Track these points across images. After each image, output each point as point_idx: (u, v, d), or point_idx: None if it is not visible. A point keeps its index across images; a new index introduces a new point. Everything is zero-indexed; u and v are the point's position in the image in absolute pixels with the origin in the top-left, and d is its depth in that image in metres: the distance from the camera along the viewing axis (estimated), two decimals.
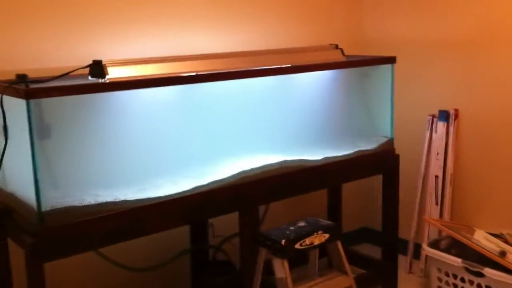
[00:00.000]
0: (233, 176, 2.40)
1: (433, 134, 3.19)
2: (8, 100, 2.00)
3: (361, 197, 3.62)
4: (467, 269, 2.70)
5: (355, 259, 3.06)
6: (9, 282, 2.25)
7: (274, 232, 2.34)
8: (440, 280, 2.86)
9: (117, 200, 2.09)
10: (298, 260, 2.71)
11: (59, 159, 2.09)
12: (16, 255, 2.20)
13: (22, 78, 2.06)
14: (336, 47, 2.92)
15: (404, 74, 3.24)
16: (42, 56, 2.38)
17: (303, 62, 2.67)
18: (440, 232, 3.08)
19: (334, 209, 3.24)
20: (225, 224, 2.76)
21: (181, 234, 2.76)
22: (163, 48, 2.70)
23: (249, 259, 2.40)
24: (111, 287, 2.68)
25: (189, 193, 2.26)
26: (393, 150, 2.96)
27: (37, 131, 1.94)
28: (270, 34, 3.11)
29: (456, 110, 3.11)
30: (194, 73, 2.29)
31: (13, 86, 1.96)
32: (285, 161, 2.57)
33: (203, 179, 2.33)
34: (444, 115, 3.15)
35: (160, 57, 2.43)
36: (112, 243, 2.09)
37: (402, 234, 3.13)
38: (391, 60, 2.92)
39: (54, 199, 1.98)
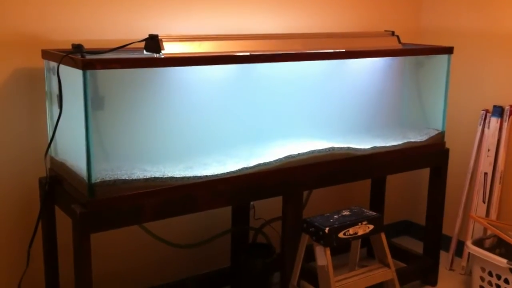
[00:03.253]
0: (280, 160, 2.38)
1: (485, 129, 3.09)
2: (64, 70, 2.01)
3: (405, 189, 3.55)
4: None
5: (395, 252, 3.01)
6: (55, 250, 2.29)
7: (318, 219, 2.31)
8: (482, 279, 2.79)
9: (164, 176, 2.10)
10: (339, 248, 2.68)
11: (110, 132, 2.10)
12: (62, 223, 2.24)
13: (78, 48, 2.07)
14: (393, 34, 2.84)
15: (459, 66, 3.14)
16: (97, 28, 2.38)
17: (358, 48, 2.61)
18: (485, 230, 3.00)
19: (377, 199, 3.19)
20: (266, 207, 2.75)
21: (223, 214, 2.76)
22: (218, 26, 2.67)
23: (291, 244, 2.39)
24: (152, 261, 2.71)
25: (235, 174, 2.25)
26: (444, 143, 2.89)
27: (91, 102, 1.94)
28: (325, 18, 3.04)
29: None
30: (249, 53, 2.26)
31: (70, 55, 1.96)
32: (333, 148, 2.52)
33: (250, 161, 2.32)
34: (498, 111, 3.05)
35: (215, 35, 2.41)
36: (158, 218, 2.10)
37: (445, 229, 3.06)
38: (449, 50, 2.84)
39: (103, 171, 2.00)
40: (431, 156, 2.85)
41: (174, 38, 2.17)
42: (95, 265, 2.06)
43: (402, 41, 2.85)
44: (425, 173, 3.00)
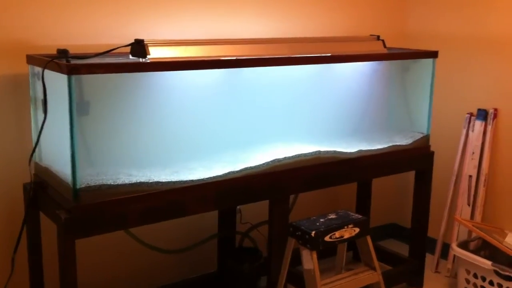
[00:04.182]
0: (266, 164, 2.38)
1: (470, 132, 3.12)
2: (49, 75, 2.00)
3: (391, 192, 3.57)
4: (496, 272, 2.65)
5: (381, 254, 3.02)
6: (40, 257, 2.27)
7: (305, 223, 2.32)
8: (468, 281, 2.81)
9: (150, 181, 2.09)
10: (326, 252, 2.69)
11: (95, 137, 2.09)
12: (48, 230, 2.22)
13: (63, 53, 2.05)
14: (378, 38, 2.86)
15: (444, 70, 3.16)
16: (82, 33, 2.37)
17: (343, 52, 2.63)
18: (470, 233, 3.03)
19: (363, 203, 3.20)
20: (253, 211, 2.75)
21: (209, 219, 2.76)
22: (204, 31, 2.67)
23: (278, 247, 2.39)
24: (138, 267, 2.70)
25: (222, 178, 2.25)
26: (428, 147, 2.91)
27: (76, 107, 1.93)
28: (310, 23, 3.06)
29: (496, 110, 3.03)
30: (235, 58, 2.26)
31: (55, 60, 1.95)
32: (319, 152, 2.53)
33: (236, 165, 2.32)
34: (482, 114, 3.08)
35: (201, 40, 2.41)
36: (143, 223, 2.09)
37: (431, 232, 3.08)
38: (433, 54, 2.86)
39: (89, 176, 1.99)
40: (416, 159, 2.87)
41: (160, 42, 2.17)
42: (81, 272, 2.05)
43: (387, 45, 2.87)
44: (411, 176, 3.02)
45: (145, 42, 2.11)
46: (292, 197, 2.82)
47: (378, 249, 2.95)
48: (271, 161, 2.39)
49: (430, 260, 3.16)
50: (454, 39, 3.20)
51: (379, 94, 2.95)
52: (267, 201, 2.41)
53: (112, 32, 2.43)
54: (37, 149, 2.16)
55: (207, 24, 2.69)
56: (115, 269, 2.63)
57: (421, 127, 2.92)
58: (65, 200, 1.96)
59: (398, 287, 2.95)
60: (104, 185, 1.99)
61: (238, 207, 2.76)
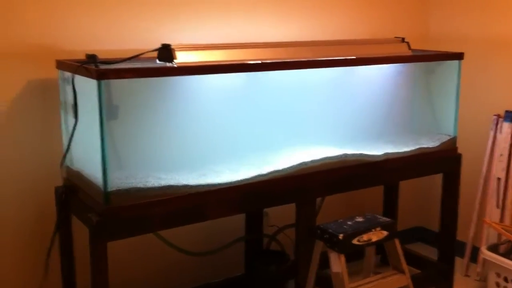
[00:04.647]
0: (293, 167, 2.38)
1: (498, 134, 3.08)
2: (78, 80, 2.03)
3: (418, 195, 3.54)
4: None
5: (409, 258, 2.98)
6: (72, 259, 2.30)
7: (332, 225, 2.31)
8: (498, 285, 2.77)
9: (178, 184, 2.11)
10: (354, 255, 2.67)
11: (124, 141, 2.12)
12: (79, 233, 2.25)
13: (92, 58, 2.08)
14: (403, 40, 2.85)
15: (470, 72, 3.13)
16: (110, 38, 2.41)
17: (368, 55, 2.62)
18: (499, 236, 2.98)
19: (390, 206, 3.18)
20: (280, 214, 2.75)
21: (236, 222, 2.76)
22: (229, 35, 2.69)
23: (305, 250, 2.39)
24: (166, 268, 2.72)
25: (249, 182, 2.25)
26: (456, 149, 2.88)
27: (106, 112, 1.96)
28: (334, 25, 3.06)
29: None
30: (260, 61, 2.27)
31: (84, 65, 1.98)
32: (345, 155, 2.53)
33: (263, 169, 2.32)
34: (510, 116, 3.04)
35: (226, 44, 2.43)
36: (173, 226, 2.11)
37: (460, 235, 3.04)
38: (459, 56, 2.84)
39: (119, 180, 2.01)
40: (443, 161, 2.84)
41: (186, 47, 2.19)
42: (110, 272, 2.06)
43: (412, 47, 2.86)
44: (438, 178, 2.99)
45: (171, 46, 2.13)
46: (318, 200, 2.82)
47: (406, 253, 2.90)
48: (298, 164, 2.39)
49: (459, 263, 3.12)
50: (479, 40, 3.17)
51: (404, 97, 2.93)
52: (293, 204, 2.41)
53: (139, 37, 2.46)
54: (68, 153, 2.19)
55: (232, 28, 2.71)
56: (143, 270, 2.65)
57: (448, 129, 2.90)
58: (96, 203, 1.99)
59: None
60: (133, 188, 2.01)
61: (265, 210, 2.76)
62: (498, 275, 2.76)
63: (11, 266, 2.31)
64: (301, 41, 2.80)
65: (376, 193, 3.22)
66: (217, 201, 2.17)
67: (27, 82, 2.26)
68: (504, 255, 2.82)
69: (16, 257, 2.32)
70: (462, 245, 3.18)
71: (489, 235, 3.06)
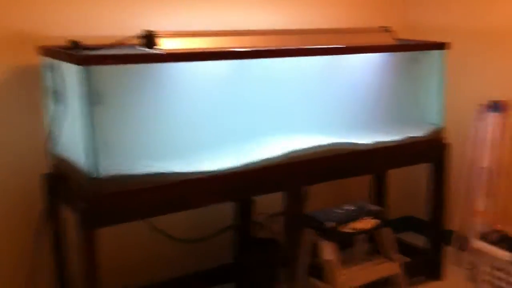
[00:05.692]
0: (281, 155, 2.36)
1: (484, 124, 3.09)
2: (62, 66, 1.99)
3: (406, 184, 3.54)
4: None
5: (398, 246, 2.98)
6: (61, 245, 2.27)
7: (321, 213, 2.30)
8: (487, 273, 2.77)
9: (167, 171, 2.08)
10: (343, 243, 2.66)
11: (111, 128, 2.07)
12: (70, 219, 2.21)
13: (75, 44, 2.05)
14: (387, 29, 2.85)
15: (456, 62, 3.13)
16: (93, 24, 2.37)
17: (353, 44, 2.61)
18: (489, 225, 2.98)
19: (379, 195, 3.17)
20: (269, 201, 2.72)
21: (225, 209, 2.73)
22: (214, 22, 2.66)
23: (294, 238, 2.37)
24: (157, 256, 2.69)
25: (237, 170, 2.23)
26: (443, 138, 2.88)
27: (90, 98, 1.92)
28: (319, 14, 3.05)
29: (508, 101, 3.01)
30: (247, 49, 2.25)
31: (67, 52, 1.95)
32: (335, 143, 2.51)
33: (251, 157, 2.30)
34: (495, 106, 3.05)
35: (211, 31, 2.40)
36: (161, 213, 2.09)
37: (450, 224, 3.04)
38: (442, 46, 2.84)
39: (106, 167, 1.97)
40: (431, 151, 2.84)
41: (170, 34, 2.17)
42: (99, 259, 2.02)
43: (397, 37, 2.85)
44: (425, 168, 2.99)
45: (154, 33, 2.10)
46: (305, 188, 2.80)
47: (395, 241, 2.91)
48: (286, 153, 2.37)
49: (449, 252, 3.11)
50: (465, 31, 3.18)
51: (391, 86, 2.92)
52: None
53: (123, 24, 2.42)
54: (54, 140, 2.15)
55: (217, 15, 2.69)
56: (132, 257, 2.62)
57: (435, 119, 2.90)
58: (84, 190, 1.95)
59: (417, 279, 2.90)
60: (121, 175, 1.98)
61: (253, 198, 2.73)
62: (487, 263, 2.76)
63: None
64: (288, 29, 2.79)
65: (363, 182, 3.21)
66: (205, 189, 2.14)
67: (9, 67, 2.22)
68: (494, 243, 2.83)
69: (3, 245, 2.28)
70: (451, 234, 3.18)
71: (479, 224, 3.06)
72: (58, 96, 2.00)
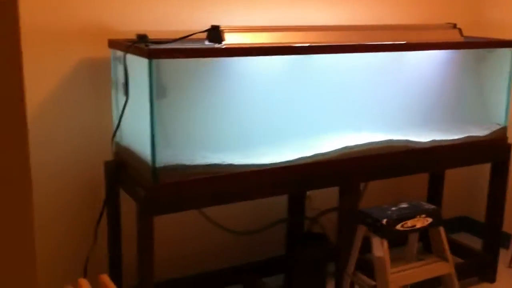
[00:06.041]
0: (337, 150, 2.38)
1: None
2: (130, 59, 2.08)
3: (464, 184, 3.48)
4: None
5: (452, 247, 2.93)
6: (119, 231, 2.38)
7: (375, 210, 2.31)
8: None
9: (224, 163, 2.14)
10: (396, 241, 2.66)
11: (173, 119, 2.16)
12: (127, 206, 2.32)
13: (142, 38, 2.13)
14: (454, 26, 2.79)
15: None
16: (160, 19, 2.45)
17: (418, 40, 2.58)
18: None
19: (435, 194, 3.14)
20: (322, 197, 2.76)
21: (279, 203, 2.79)
22: (277, 18, 2.69)
23: (347, 234, 2.39)
24: (210, 246, 2.77)
25: (292, 163, 2.27)
26: (506, 138, 2.82)
27: (156, 91, 2.01)
28: (384, 10, 3.01)
29: None
30: (309, 44, 2.27)
31: (136, 45, 2.03)
32: (391, 141, 2.51)
33: (307, 152, 2.33)
34: None
35: (274, 26, 2.43)
36: (217, 204, 2.15)
37: (505, 227, 2.99)
38: (511, 44, 2.76)
39: (166, 157, 2.06)
40: (492, 151, 2.79)
41: (235, 29, 2.21)
42: (155, 248, 2.12)
43: (464, 34, 2.80)
44: (485, 168, 2.93)
45: (221, 28, 2.16)
46: (362, 185, 2.82)
47: (449, 241, 2.88)
48: (342, 148, 2.40)
49: (503, 255, 3.06)
50: None
51: (454, 84, 2.87)
52: (336, 189, 2.42)
53: (189, 19, 2.48)
54: (118, 130, 2.25)
55: (281, 11, 2.71)
56: (186, 247, 2.70)
57: (499, 118, 2.83)
58: (144, 178, 2.05)
59: (470, 281, 2.88)
60: (181, 165, 2.06)
61: (308, 192, 2.77)
62: None
63: (63, 234, 2.40)
64: (350, 25, 2.78)
65: (421, 180, 3.19)
66: (260, 181, 2.19)
67: (80, 59, 2.33)
68: None
69: (67, 226, 2.41)
70: (508, 236, 3.12)
71: None
72: (125, 87, 2.10)
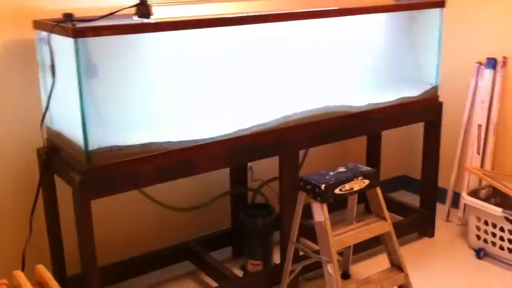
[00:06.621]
0: (276, 120, 2.40)
1: (479, 82, 3.10)
2: (56, 39, 2.01)
3: (401, 144, 3.58)
4: (507, 219, 2.68)
5: (392, 206, 3.06)
6: (57, 218, 2.33)
7: (314, 176, 2.34)
8: (478, 229, 2.85)
9: (160, 141, 2.12)
10: (337, 205, 2.73)
11: (104, 99, 2.10)
12: (64, 192, 2.28)
13: (68, 17, 2.06)
14: None
15: (452, 20, 3.12)
16: None
17: (350, 5, 2.60)
18: (480, 181, 3.05)
19: (373, 156, 3.22)
20: (264, 168, 2.78)
21: (221, 177, 2.80)
22: None
23: (289, 202, 2.43)
24: (154, 225, 2.77)
25: (231, 136, 2.27)
26: (437, 97, 2.91)
27: (84, 70, 1.95)
28: None
29: (505, 58, 3.01)
30: (240, 15, 2.25)
31: (60, 24, 1.96)
32: (328, 107, 2.54)
33: (246, 123, 2.34)
34: (491, 63, 3.05)
35: None
36: (155, 182, 2.13)
37: (441, 182, 3.11)
38: (440, 4, 2.82)
39: (100, 138, 2.02)
40: (425, 110, 2.87)
41: (164, 2, 2.17)
42: (97, 231, 2.10)
43: None
44: (420, 128, 3.03)
45: (148, 2, 2.11)
46: (302, 152, 2.85)
47: (389, 201, 2.99)
48: (280, 118, 2.41)
49: (441, 209, 3.19)
50: None
51: (387, 46, 2.92)
52: (277, 158, 2.44)
53: None
54: (48, 114, 2.19)
55: None
56: (130, 228, 2.69)
57: (430, 78, 2.91)
58: (78, 162, 2.00)
59: (410, 237, 2.99)
60: (115, 146, 2.03)
61: (249, 164, 2.79)
62: (479, 219, 2.83)
63: None
64: None
65: (359, 143, 3.26)
66: (199, 156, 2.19)
67: (4, 42, 2.24)
68: (485, 199, 2.90)
69: (1, 218, 2.35)
70: (444, 191, 3.25)
71: (470, 181, 3.12)
72: (52, 69, 2.03)
